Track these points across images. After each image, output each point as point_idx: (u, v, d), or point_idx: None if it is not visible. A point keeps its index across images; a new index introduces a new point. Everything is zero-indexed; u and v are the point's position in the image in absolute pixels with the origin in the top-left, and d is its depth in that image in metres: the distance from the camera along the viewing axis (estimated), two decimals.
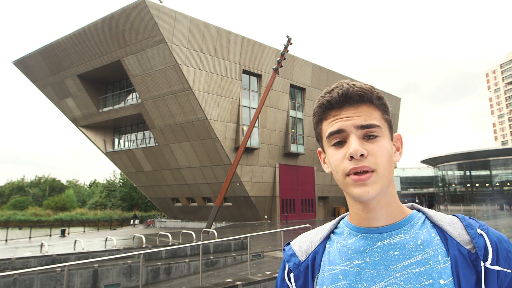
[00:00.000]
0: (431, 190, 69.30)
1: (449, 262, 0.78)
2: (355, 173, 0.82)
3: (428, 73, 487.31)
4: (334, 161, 0.86)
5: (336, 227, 0.97)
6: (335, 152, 0.86)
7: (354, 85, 0.88)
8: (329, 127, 0.87)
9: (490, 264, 0.77)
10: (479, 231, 0.81)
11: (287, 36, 25.11)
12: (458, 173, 57.11)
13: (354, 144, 0.82)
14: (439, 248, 0.81)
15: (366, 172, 0.82)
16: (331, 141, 0.87)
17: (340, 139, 0.86)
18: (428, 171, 69.95)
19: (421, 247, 0.82)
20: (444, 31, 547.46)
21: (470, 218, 0.86)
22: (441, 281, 0.76)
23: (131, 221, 41.56)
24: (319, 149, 0.98)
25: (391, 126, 0.92)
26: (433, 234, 0.84)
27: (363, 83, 0.89)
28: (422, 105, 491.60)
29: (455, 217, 0.88)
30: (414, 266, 0.80)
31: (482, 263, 0.77)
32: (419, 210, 0.92)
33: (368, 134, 0.84)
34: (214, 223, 26.17)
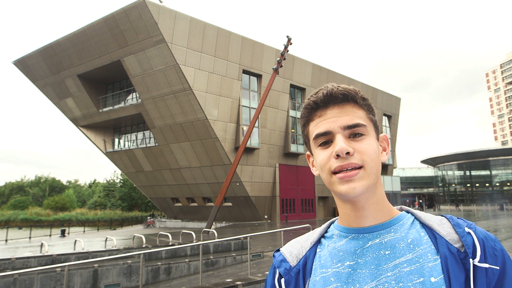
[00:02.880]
0: (431, 190, 69.36)
1: (439, 260, 0.79)
2: (342, 171, 0.83)
3: (440, 68, 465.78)
4: (320, 160, 0.87)
5: (326, 231, 0.96)
6: (321, 152, 0.87)
7: (338, 86, 0.90)
8: (315, 128, 0.89)
9: (478, 262, 0.78)
10: (467, 229, 0.83)
11: (287, 36, 25.11)
12: (458, 173, 57.15)
13: (340, 142, 0.83)
14: (428, 247, 0.82)
15: (353, 169, 0.82)
16: (317, 141, 0.88)
17: (326, 139, 0.87)
18: (428, 171, 70.03)
19: (411, 246, 0.82)
20: (458, 22, 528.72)
21: (458, 218, 0.88)
22: (432, 279, 0.77)
23: (148, 218, 41.53)
24: (308, 152, 0.98)
25: (377, 127, 0.92)
26: (422, 233, 0.85)
27: (348, 86, 0.91)
28: (431, 103, 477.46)
29: (443, 217, 0.88)
30: (405, 264, 0.80)
31: (471, 260, 0.78)
32: (408, 212, 0.93)
33: (353, 133, 0.85)
34: (214, 223, 26.18)
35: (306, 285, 0.89)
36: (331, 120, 0.86)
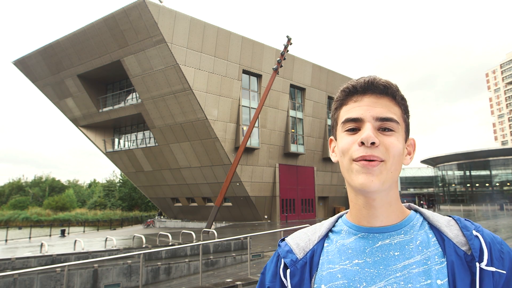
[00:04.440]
0: (431, 190, 69.34)
1: (446, 262, 0.80)
2: (363, 160, 0.82)
3: (446, 66, 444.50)
4: (343, 145, 0.86)
5: (334, 226, 0.96)
6: (346, 137, 0.86)
7: (381, 78, 0.90)
8: (347, 113, 0.88)
9: (485, 265, 0.78)
10: (474, 232, 0.83)
11: (287, 36, 25.12)
12: (458, 173, 57.07)
13: (367, 131, 0.82)
14: (436, 249, 0.82)
15: (374, 161, 0.82)
16: (345, 126, 0.87)
17: (355, 126, 0.86)
18: (428, 171, 69.92)
19: (420, 248, 0.83)
20: (465, 19, 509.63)
21: (465, 219, 0.88)
22: (438, 281, 0.78)
23: (156, 216, 41.54)
24: (331, 137, 0.97)
25: (408, 129, 0.92)
26: (430, 235, 0.85)
27: (391, 81, 0.92)
28: (436, 101, 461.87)
29: (451, 218, 0.88)
30: (414, 266, 0.80)
31: (477, 264, 0.78)
32: (416, 211, 0.93)
33: (384, 127, 0.85)
34: (214, 223, 26.17)
35: (313, 279, 0.89)
36: (365, 108, 0.86)
